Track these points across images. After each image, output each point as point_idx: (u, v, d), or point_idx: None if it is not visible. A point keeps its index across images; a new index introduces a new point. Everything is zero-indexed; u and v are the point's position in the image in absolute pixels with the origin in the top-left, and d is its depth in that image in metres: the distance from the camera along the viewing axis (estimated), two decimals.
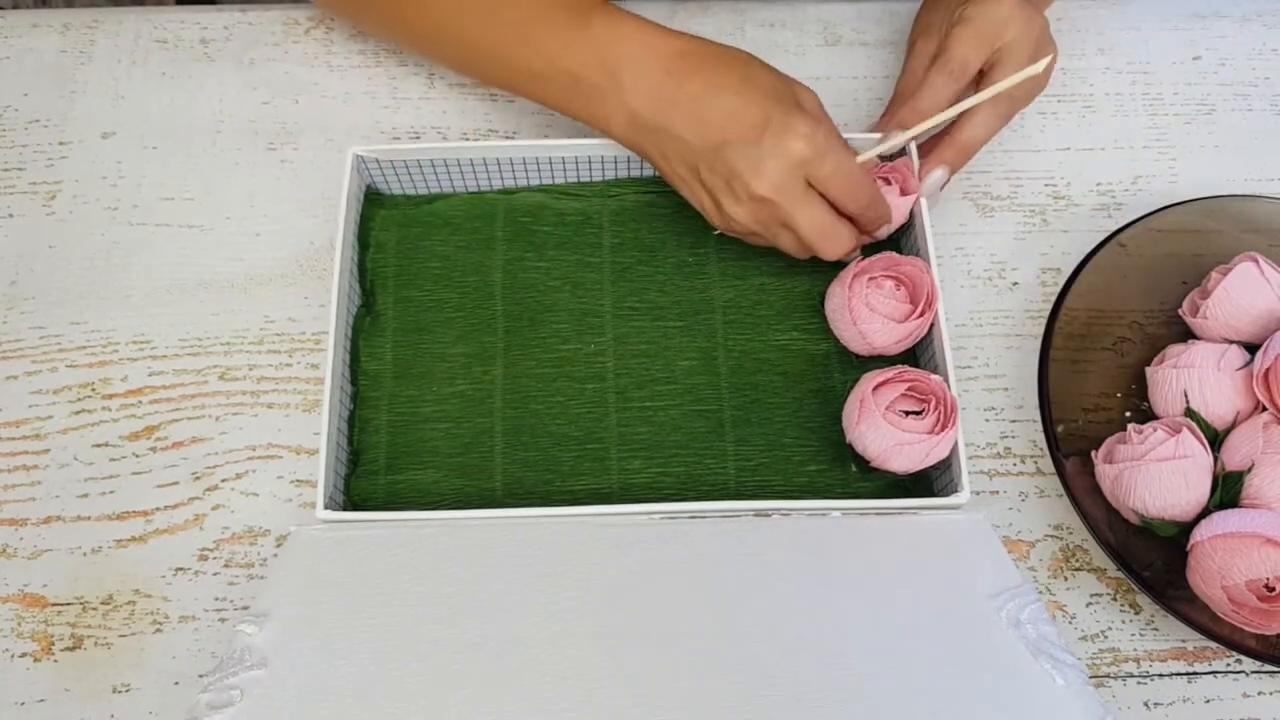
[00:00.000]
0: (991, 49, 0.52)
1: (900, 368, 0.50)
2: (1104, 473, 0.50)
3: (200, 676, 0.50)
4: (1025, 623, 0.44)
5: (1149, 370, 0.52)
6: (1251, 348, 0.51)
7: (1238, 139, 0.63)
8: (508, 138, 0.63)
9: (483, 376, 0.55)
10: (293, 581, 0.46)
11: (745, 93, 0.49)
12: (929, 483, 0.53)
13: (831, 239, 0.51)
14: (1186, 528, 0.49)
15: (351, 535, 0.48)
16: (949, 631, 0.44)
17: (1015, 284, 0.59)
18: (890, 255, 0.53)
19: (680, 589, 0.45)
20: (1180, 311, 0.54)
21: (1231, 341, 0.52)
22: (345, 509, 0.52)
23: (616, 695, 0.41)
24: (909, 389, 0.50)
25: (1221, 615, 0.47)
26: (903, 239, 0.57)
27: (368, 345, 0.56)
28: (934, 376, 0.50)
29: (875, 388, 0.49)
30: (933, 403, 0.50)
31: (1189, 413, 0.50)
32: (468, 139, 0.62)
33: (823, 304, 0.55)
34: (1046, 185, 0.61)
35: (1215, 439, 0.50)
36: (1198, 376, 0.50)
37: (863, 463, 0.51)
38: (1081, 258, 0.55)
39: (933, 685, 0.41)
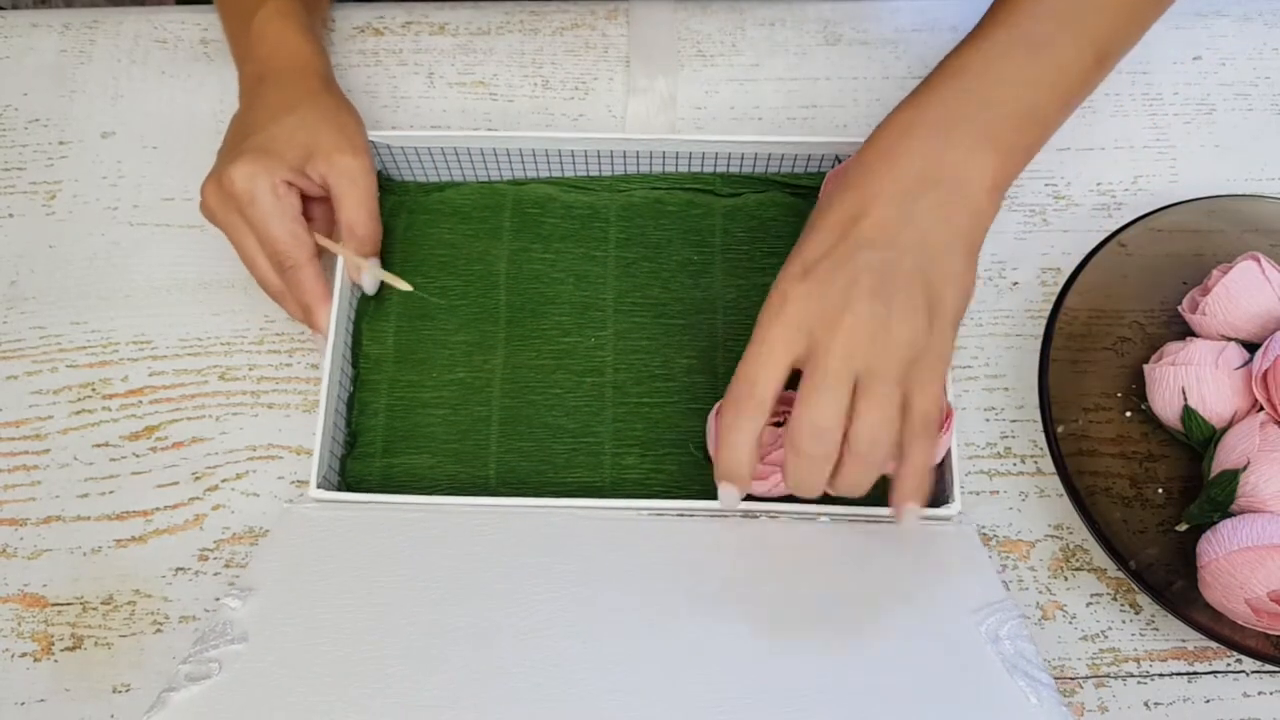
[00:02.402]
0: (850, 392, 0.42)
1: None
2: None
3: None
4: (1004, 639, 0.43)
5: (1147, 368, 0.52)
6: (1250, 346, 0.51)
7: (1238, 139, 0.62)
8: None
9: (482, 365, 0.55)
10: (281, 558, 0.46)
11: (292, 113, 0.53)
12: None
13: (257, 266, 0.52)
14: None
15: (342, 515, 0.48)
16: (927, 643, 0.43)
17: (1015, 284, 0.59)
18: None
19: (664, 586, 0.45)
20: (1180, 308, 0.54)
21: (1230, 339, 0.52)
22: (339, 489, 0.52)
23: (595, 689, 0.41)
24: None
25: (1245, 625, 0.47)
26: None
27: (370, 329, 0.56)
28: None
29: None
30: None
31: (1186, 411, 0.50)
32: None
33: None
34: (1047, 185, 0.61)
35: (1212, 436, 0.50)
36: (1195, 374, 0.50)
37: None
38: (1082, 258, 0.55)
39: (906, 695, 0.41)
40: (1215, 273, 0.53)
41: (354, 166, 0.51)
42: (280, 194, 0.50)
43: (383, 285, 0.57)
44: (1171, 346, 0.52)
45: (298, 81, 0.54)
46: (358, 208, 0.52)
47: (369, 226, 0.52)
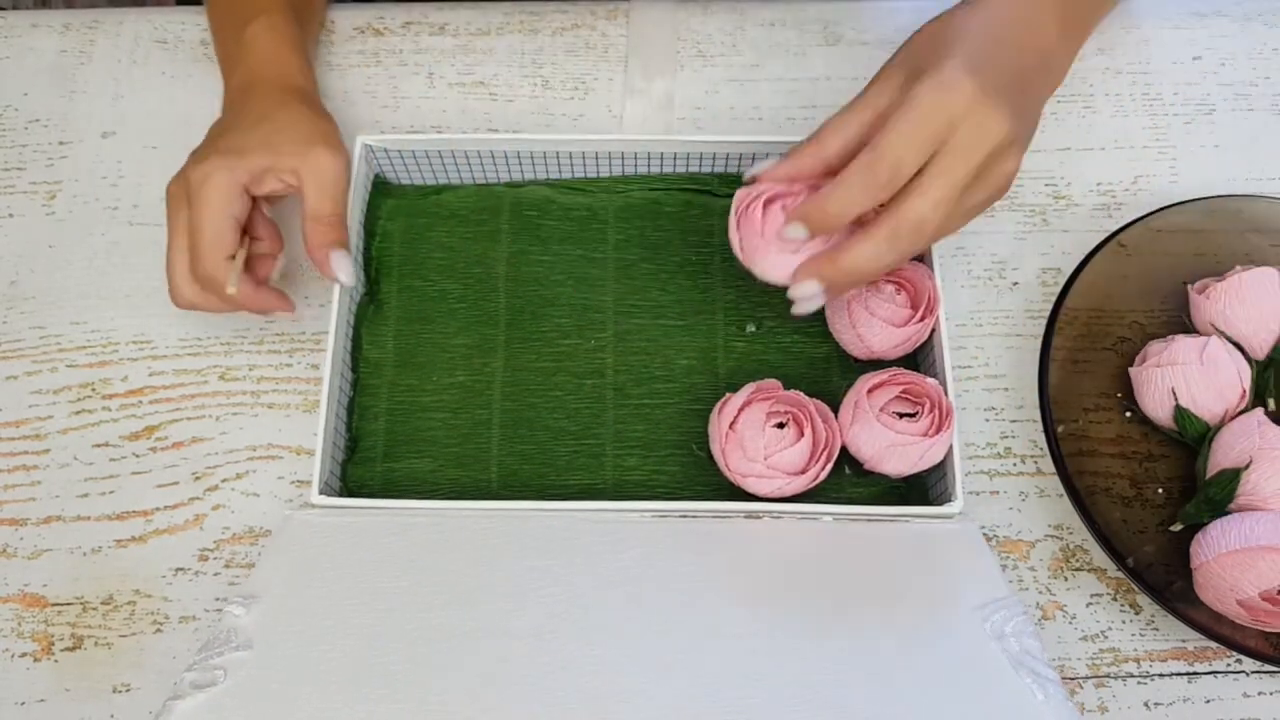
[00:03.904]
0: (931, 150, 0.44)
1: (895, 370, 0.50)
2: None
3: None
4: (1009, 635, 0.43)
5: (1132, 371, 0.52)
6: (1241, 348, 0.51)
7: (1238, 139, 0.62)
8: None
9: (483, 368, 0.55)
10: (283, 565, 0.47)
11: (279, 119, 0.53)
12: (924, 490, 0.53)
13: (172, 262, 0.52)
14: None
15: (344, 521, 0.48)
16: (932, 640, 0.44)
17: (1015, 284, 0.59)
18: None
19: (668, 588, 0.45)
20: (1189, 286, 0.54)
21: (1218, 332, 0.52)
22: (340, 494, 0.52)
23: (600, 691, 0.41)
24: (903, 391, 0.50)
25: (1241, 624, 0.47)
26: None
27: (370, 333, 0.56)
28: (929, 380, 0.50)
29: (870, 390, 0.49)
30: (927, 405, 0.49)
31: (1179, 410, 0.50)
32: None
33: (824, 307, 0.55)
34: (1047, 185, 0.61)
35: (1205, 434, 0.50)
36: (1183, 374, 0.50)
37: (856, 465, 0.51)
38: (1082, 258, 0.55)
39: (912, 693, 0.41)
40: (1238, 267, 0.53)
41: (324, 157, 0.51)
42: (231, 196, 0.50)
43: (379, 284, 0.57)
44: (1154, 346, 0.52)
45: (279, 94, 0.54)
46: (320, 193, 0.51)
47: (330, 209, 0.52)
